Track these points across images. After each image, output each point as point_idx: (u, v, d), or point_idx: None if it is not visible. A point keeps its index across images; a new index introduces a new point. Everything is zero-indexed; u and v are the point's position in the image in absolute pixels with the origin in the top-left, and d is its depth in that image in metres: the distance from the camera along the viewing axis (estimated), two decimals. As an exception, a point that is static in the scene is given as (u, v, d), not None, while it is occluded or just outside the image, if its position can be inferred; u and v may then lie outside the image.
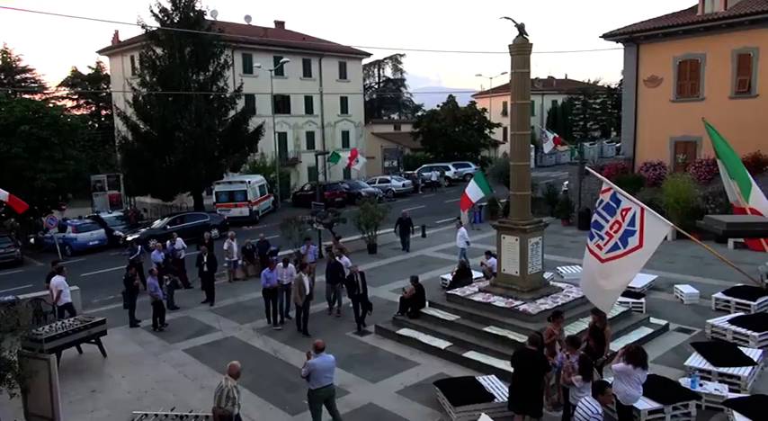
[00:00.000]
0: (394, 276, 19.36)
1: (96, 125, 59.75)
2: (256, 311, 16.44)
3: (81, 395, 11.60)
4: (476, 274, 16.77)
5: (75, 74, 64.10)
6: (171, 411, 8.95)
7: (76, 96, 62.55)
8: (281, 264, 15.50)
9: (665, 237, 10.61)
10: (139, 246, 19.65)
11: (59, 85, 62.13)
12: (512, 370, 9.37)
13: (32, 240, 29.87)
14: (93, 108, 63.74)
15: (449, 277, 17.30)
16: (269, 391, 11.37)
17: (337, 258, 16.08)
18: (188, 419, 8.63)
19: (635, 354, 8.82)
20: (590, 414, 7.32)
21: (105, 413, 10.78)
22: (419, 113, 68.21)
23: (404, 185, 42.57)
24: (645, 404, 9.36)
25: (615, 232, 8.39)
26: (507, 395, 9.93)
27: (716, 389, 9.94)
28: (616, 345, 11.71)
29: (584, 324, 12.18)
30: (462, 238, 19.79)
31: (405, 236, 22.99)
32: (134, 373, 12.59)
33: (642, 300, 14.77)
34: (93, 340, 13.48)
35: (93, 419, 10.56)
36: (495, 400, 10.05)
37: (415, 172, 46.53)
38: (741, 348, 11.41)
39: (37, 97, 47.38)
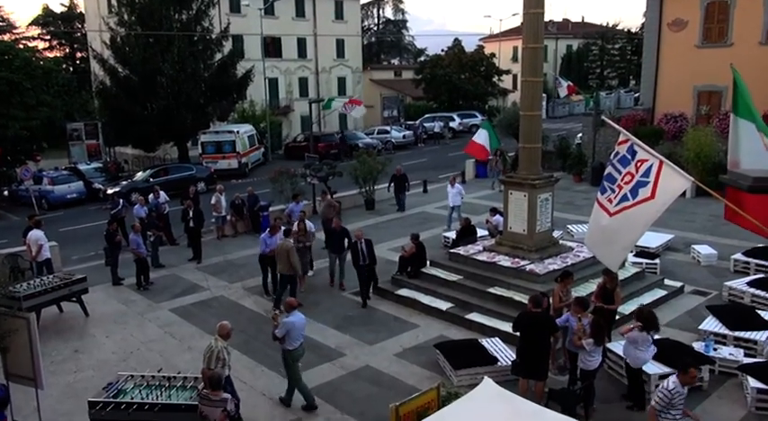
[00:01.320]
0: (393, 234, 19.45)
1: (71, 69, 58.88)
2: (247, 270, 16.57)
3: (63, 355, 11.80)
4: (480, 233, 16.84)
5: (47, 12, 62.75)
6: (158, 372, 9.10)
7: (49, 37, 61.41)
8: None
9: (684, 194, 10.58)
10: (121, 200, 19.65)
11: (30, 25, 60.94)
12: (517, 333, 9.53)
13: (6, 193, 29.84)
14: (68, 50, 62.67)
15: (451, 235, 17.40)
16: (261, 353, 11.57)
17: (306, 223, 15.20)
18: (176, 381, 8.79)
19: (649, 321, 8.99)
20: (672, 394, 7.18)
21: (89, 374, 11.00)
22: (422, 59, 67.21)
23: (404, 137, 42.31)
24: (655, 368, 9.55)
25: (626, 184, 8.35)
26: (512, 358, 10.15)
27: (730, 354, 10.13)
28: (628, 308, 11.91)
29: (594, 286, 12.29)
30: (458, 194, 19.60)
31: (399, 194, 22.55)
32: (118, 333, 12.78)
33: (656, 260, 14.90)
34: (74, 298, 13.63)
35: (77, 380, 10.79)
36: (499, 364, 10.25)
37: (417, 122, 46.21)
38: (759, 312, 11.57)
39: (5, 37, 46.49)
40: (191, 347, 11.86)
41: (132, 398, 8.39)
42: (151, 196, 19.67)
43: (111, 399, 8.31)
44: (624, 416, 9.08)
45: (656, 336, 10.46)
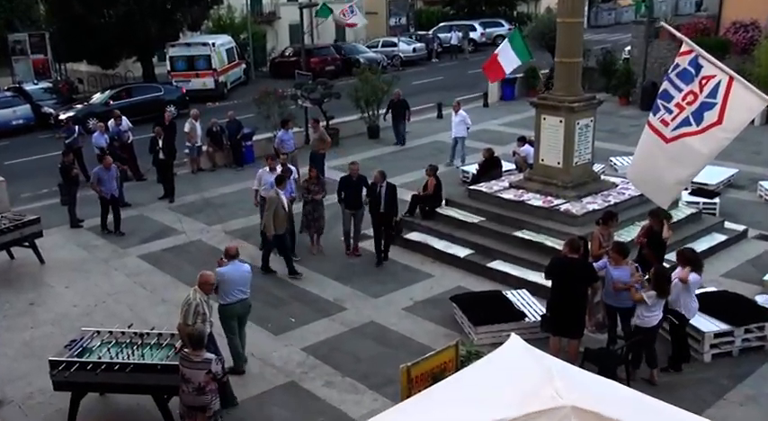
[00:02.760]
0: (400, 168, 19.45)
1: (9, -34, 57.48)
2: (227, 210, 16.70)
3: (17, 309, 12.05)
4: (506, 166, 16.84)
5: None
6: (128, 328, 9.30)
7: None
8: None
9: (752, 122, 10.47)
10: (76, 127, 19.58)
11: None
12: (548, 283, 9.66)
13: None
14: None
15: (472, 169, 17.38)
16: (247, 307, 11.85)
17: (289, 166, 14.54)
18: (149, 338, 8.98)
19: (697, 262, 9.10)
20: None
21: (48, 330, 11.25)
22: (436, -47, 65.38)
23: (414, 50, 41.67)
24: (710, 325, 9.71)
25: (688, 104, 8.23)
26: (541, 313, 10.32)
27: (800, 310, 10.25)
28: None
29: (638, 229, 12.35)
30: (462, 124, 19.45)
31: (398, 124, 22.13)
32: (80, 283, 13.00)
33: (716, 199, 14.92)
34: (27, 243, 13.80)
35: (34, 337, 11.05)
36: (526, 320, 10.44)
37: (431, 33, 45.40)
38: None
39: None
40: (164, 300, 12.08)
41: (100, 358, 8.59)
42: (112, 122, 19.59)
43: (76, 359, 8.51)
44: (674, 381, 9.30)
45: (712, 288, 10.61)
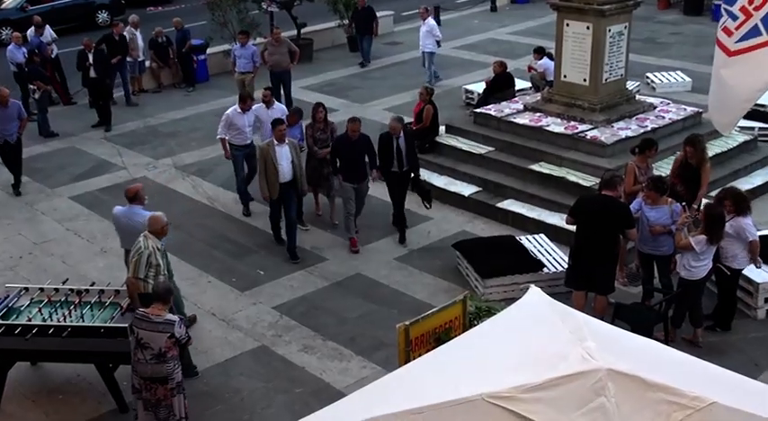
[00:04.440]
0: (390, 87, 19.38)
1: None
2: (178, 140, 16.61)
3: None
4: (520, 84, 16.74)
5: None
6: (62, 284, 9.30)
7: None
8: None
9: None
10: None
11: None
12: (571, 227, 9.72)
13: None
14: None
15: (476, 88, 17.29)
16: (205, 257, 11.86)
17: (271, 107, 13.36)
18: (89, 295, 9.00)
19: (744, 203, 9.20)
20: None
21: (-37, 287, 11.24)
22: None
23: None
24: (765, 275, 9.81)
25: (756, 9, 8.18)
26: (563, 263, 10.42)
27: None
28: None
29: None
30: (430, 35, 19.11)
31: (362, 38, 21.42)
32: (0, 232, 12.97)
33: (775, 124, 14.96)
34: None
35: (-54, 296, 11.04)
36: (545, 270, 10.55)
37: None
38: None
39: None
40: (105, 250, 12.09)
41: (30, 319, 8.61)
42: (31, 32, 19.24)
43: (1, 321, 8.53)
44: (722, 341, 9.49)
45: (766, 231, 10.71)
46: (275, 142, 11.35)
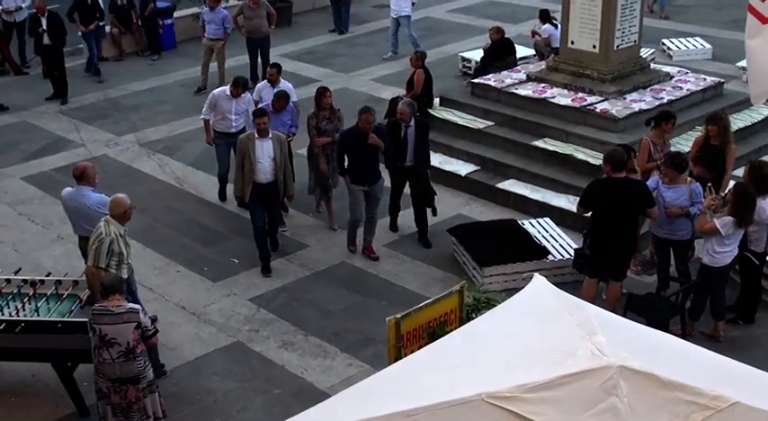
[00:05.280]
0: (377, 54, 19.44)
1: None
2: (141, 114, 16.55)
3: None
4: (522, 51, 16.73)
5: None
6: (15, 274, 9.24)
7: None
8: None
9: None
10: None
11: None
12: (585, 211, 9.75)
13: None
14: None
15: (474, 56, 17.26)
16: (173, 244, 11.84)
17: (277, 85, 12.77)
18: (44, 287, 8.94)
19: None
20: None
21: None
22: None
23: None
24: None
25: None
26: (570, 249, 10.44)
27: None
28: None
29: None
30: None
31: (338, 3, 21.06)
32: (-57, 216, 12.90)
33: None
34: None
35: None
36: (550, 258, 10.58)
37: None
38: None
39: None
40: (62, 236, 12.02)
41: (-22, 314, 8.58)
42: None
43: (-54, 316, 8.50)
44: (744, 336, 9.54)
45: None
46: (256, 135, 10.71)
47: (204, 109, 12.68)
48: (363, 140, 10.83)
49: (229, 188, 12.71)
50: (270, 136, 10.74)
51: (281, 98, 12.06)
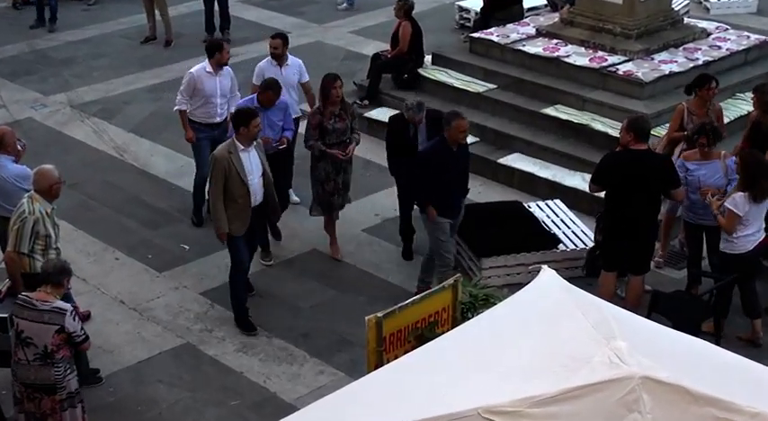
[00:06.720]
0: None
1: None
2: (75, 70, 16.55)
3: None
4: (530, 1, 16.74)
5: None
6: None
7: None
8: None
9: None
10: None
11: None
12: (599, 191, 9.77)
13: None
14: None
15: (472, 6, 17.23)
16: (111, 226, 11.84)
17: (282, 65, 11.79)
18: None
19: None
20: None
21: None
22: None
23: None
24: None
25: None
26: (585, 238, 10.46)
27: None
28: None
29: (743, 104, 12.48)
30: None
31: None
32: None
33: None
34: None
35: None
36: (561, 247, 10.62)
37: None
38: None
39: None
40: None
41: None
42: None
43: None
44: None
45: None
46: (239, 146, 9.52)
47: (179, 96, 11.62)
48: (455, 158, 9.81)
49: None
50: (254, 144, 9.77)
51: (270, 88, 10.88)
